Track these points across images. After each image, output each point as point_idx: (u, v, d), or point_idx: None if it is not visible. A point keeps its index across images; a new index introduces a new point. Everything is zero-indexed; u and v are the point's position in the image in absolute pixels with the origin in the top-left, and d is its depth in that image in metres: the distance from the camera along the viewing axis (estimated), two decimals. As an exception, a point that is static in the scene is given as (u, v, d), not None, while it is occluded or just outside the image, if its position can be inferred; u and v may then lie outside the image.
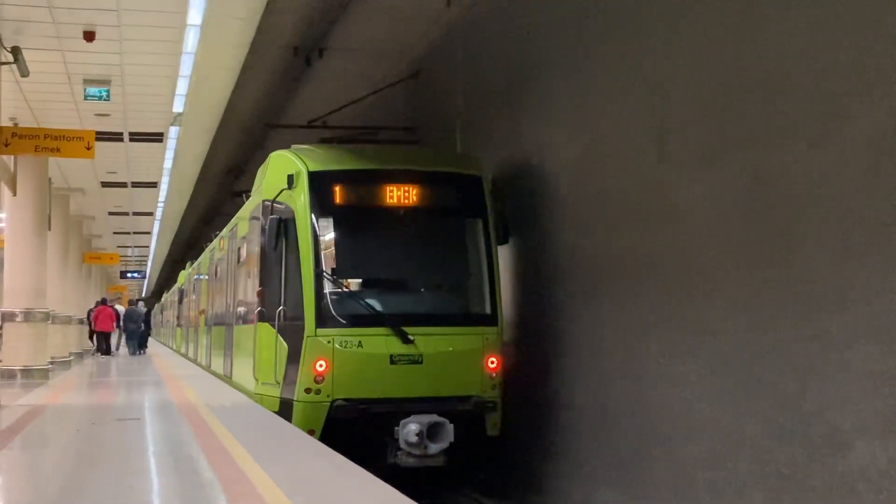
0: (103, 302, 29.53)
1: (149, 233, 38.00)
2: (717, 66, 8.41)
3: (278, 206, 11.51)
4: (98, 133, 17.43)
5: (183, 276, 36.37)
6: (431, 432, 10.63)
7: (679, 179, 8.98)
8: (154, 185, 24.95)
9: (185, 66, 14.71)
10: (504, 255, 13.03)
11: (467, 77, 14.63)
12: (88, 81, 14.96)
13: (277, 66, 18.15)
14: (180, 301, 35.64)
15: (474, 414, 11.02)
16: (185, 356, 30.38)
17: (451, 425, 10.65)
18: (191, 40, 13.60)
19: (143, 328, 30.49)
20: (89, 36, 12.80)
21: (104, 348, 28.75)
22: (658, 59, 9.36)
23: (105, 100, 15.26)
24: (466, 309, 11.55)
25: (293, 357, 10.99)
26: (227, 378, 16.10)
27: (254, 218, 13.40)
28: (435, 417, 10.65)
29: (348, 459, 7.47)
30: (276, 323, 11.34)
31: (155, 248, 45.85)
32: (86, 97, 15.22)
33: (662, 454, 9.18)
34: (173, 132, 19.41)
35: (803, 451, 7.22)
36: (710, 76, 8.49)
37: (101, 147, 17.92)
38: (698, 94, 8.67)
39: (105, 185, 24.74)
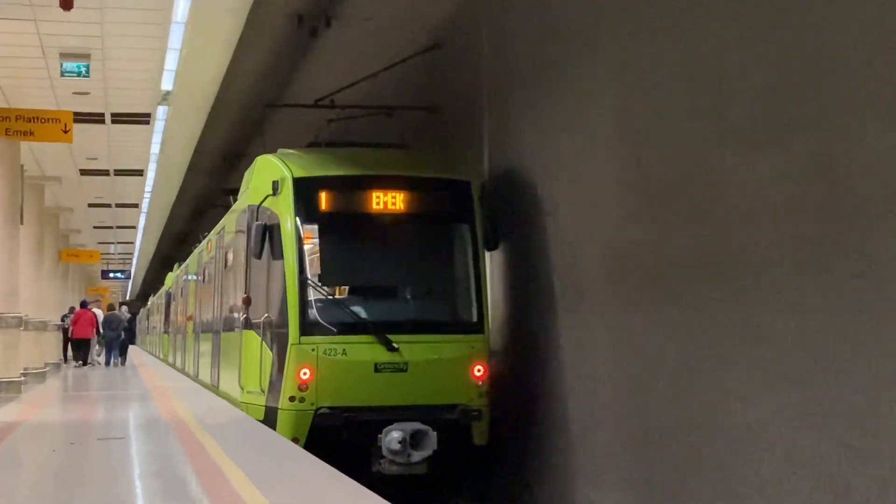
0: (84, 305, 29.67)
1: (134, 227, 38.15)
2: (783, 34, 8.35)
3: (263, 211, 12.94)
4: (76, 114, 17.53)
5: (170, 278, 37.21)
6: (414, 440, 11.88)
7: (738, 165, 8.94)
8: (140, 172, 25.03)
9: (175, 38, 14.76)
10: (525, 254, 13.04)
11: (495, 49, 14.61)
12: (65, 55, 15.02)
13: (279, 37, 18.19)
14: (167, 306, 36.33)
15: (460, 422, 12.32)
16: (173, 366, 30.81)
17: (434, 433, 11.91)
18: (181, 8, 13.65)
19: (122, 336, 30.60)
20: (66, 4, 12.84)
21: (84, 357, 28.88)
22: (716, 26, 9.31)
23: (84, 76, 15.32)
24: (452, 316, 12.96)
25: (278, 365, 12.37)
26: (214, 388, 17.35)
27: (240, 222, 14.87)
28: (418, 425, 11.92)
29: (354, 482, 7.51)
30: (261, 330, 12.81)
31: (141, 244, 46.04)
32: (62, 73, 15.29)
33: (712, 478, 9.14)
34: (161, 113, 19.48)
35: (880, 475, 7.17)
36: (776, 46, 8.44)
37: (79, 130, 18.01)
38: (762, 66, 8.62)
39: (84, 172, 24.86)
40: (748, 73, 8.81)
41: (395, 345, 12.16)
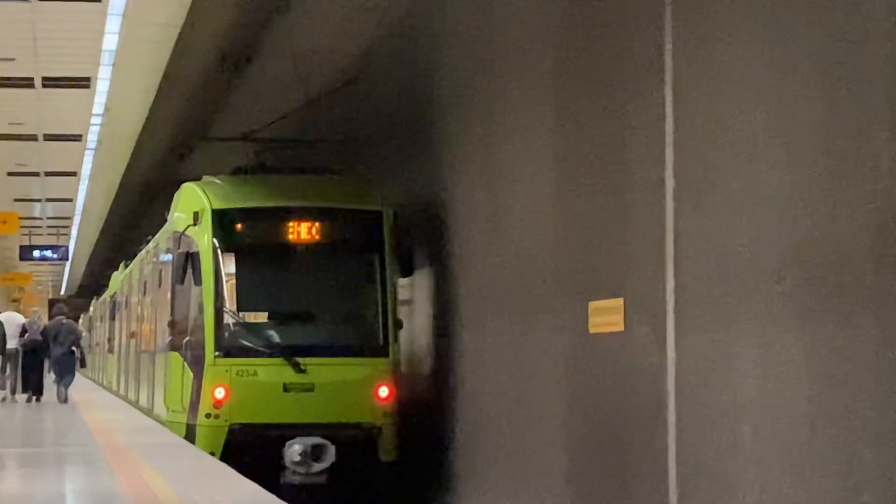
0: None
1: (74, 174, 38.49)
2: None
3: (185, 239, 21.37)
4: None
5: (115, 280, 40.62)
6: (315, 453, 19.71)
7: None
8: (85, 83, 25.17)
9: None
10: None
11: None
12: None
13: None
14: (112, 316, 40.16)
15: (363, 439, 20.43)
16: (117, 393, 33.68)
17: (333, 447, 19.81)
18: None
19: (77, 355, 32.07)
20: None
21: None
22: None
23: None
24: (358, 340, 21.46)
25: (196, 384, 20.75)
26: (148, 411, 26.52)
27: (168, 246, 23.98)
28: (317, 440, 19.84)
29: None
30: (183, 352, 21.44)
31: (85, 204, 46.51)
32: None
33: None
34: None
35: None
36: None
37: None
38: None
39: (-6, 83, 25.00)
40: None
41: (302, 367, 20.41)
